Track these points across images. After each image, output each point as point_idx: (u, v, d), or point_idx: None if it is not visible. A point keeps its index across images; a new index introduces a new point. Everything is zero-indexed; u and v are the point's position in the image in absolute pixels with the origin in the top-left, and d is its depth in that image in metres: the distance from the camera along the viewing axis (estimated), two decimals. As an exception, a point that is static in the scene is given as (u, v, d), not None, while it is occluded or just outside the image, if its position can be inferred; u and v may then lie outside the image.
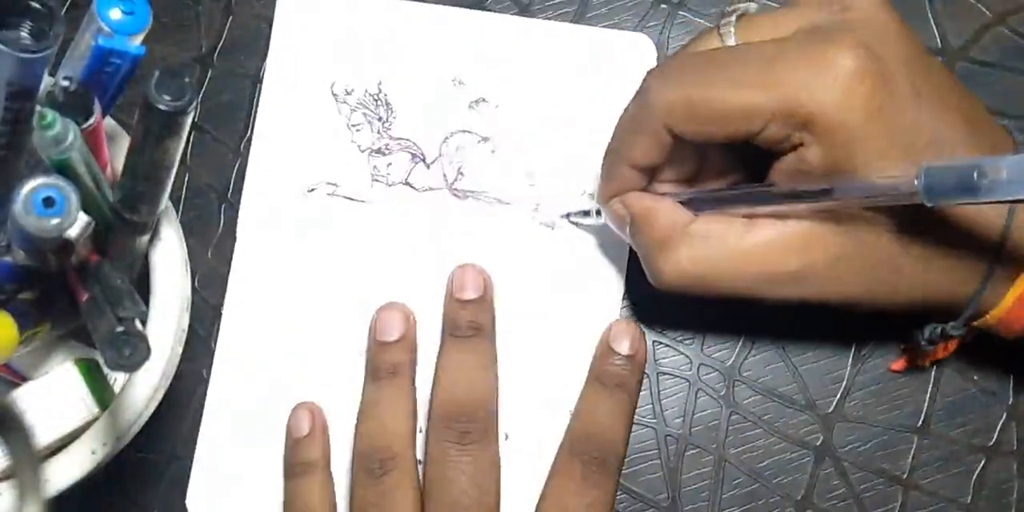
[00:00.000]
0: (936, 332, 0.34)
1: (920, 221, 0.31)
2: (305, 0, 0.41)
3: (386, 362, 0.38)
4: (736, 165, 0.35)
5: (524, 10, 0.41)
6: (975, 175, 0.27)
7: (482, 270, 0.39)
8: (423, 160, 0.40)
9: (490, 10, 0.41)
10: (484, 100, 0.40)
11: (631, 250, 0.39)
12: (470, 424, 0.36)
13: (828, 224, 0.31)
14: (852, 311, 0.33)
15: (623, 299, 0.39)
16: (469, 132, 0.40)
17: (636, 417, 0.39)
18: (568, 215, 0.40)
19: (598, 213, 0.37)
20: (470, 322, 0.38)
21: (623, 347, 0.37)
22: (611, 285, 0.39)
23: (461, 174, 0.40)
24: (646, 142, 0.33)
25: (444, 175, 0.40)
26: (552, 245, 0.39)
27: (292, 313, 0.39)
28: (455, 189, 0.40)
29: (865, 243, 0.31)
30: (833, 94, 0.30)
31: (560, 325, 0.39)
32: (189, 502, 0.38)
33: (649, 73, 0.33)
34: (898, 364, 0.39)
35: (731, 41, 0.33)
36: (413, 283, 0.39)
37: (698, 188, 0.35)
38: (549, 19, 0.41)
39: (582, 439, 0.37)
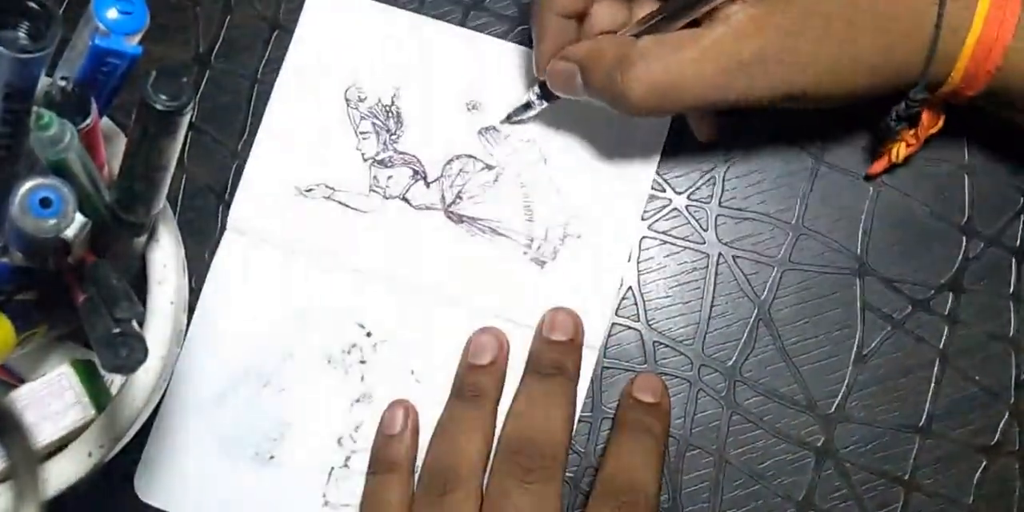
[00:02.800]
0: (902, 107, 0.35)
1: None
2: (337, 1, 0.40)
3: (471, 384, 0.38)
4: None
5: (523, 10, 0.41)
6: None
7: (576, 316, 0.38)
8: (424, 178, 0.40)
9: (488, 9, 0.41)
10: (495, 129, 0.40)
11: (618, 289, 0.39)
12: (536, 461, 0.36)
13: (771, 4, 0.32)
14: (821, 105, 0.33)
15: (610, 323, 0.39)
16: (474, 158, 0.40)
17: (636, 418, 0.39)
18: (509, 117, 0.39)
19: (539, 96, 0.38)
20: (554, 360, 0.38)
21: (647, 398, 0.37)
22: (591, 333, 0.39)
23: (459, 198, 0.40)
24: None
25: (443, 196, 0.40)
26: (540, 283, 0.39)
27: (267, 308, 0.39)
28: (451, 212, 0.40)
29: (815, 13, 0.32)
30: None
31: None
32: (136, 482, 0.39)
33: None
34: (876, 165, 0.39)
35: None
36: (392, 299, 0.39)
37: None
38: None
39: (612, 483, 0.36)
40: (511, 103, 0.40)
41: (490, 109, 0.40)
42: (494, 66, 0.40)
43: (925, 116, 0.36)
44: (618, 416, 0.38)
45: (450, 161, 0.40)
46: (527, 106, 0.39)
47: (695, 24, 0.33)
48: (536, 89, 0.38)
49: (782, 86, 0.33)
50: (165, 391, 0.38)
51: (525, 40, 0.40)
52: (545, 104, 0.38)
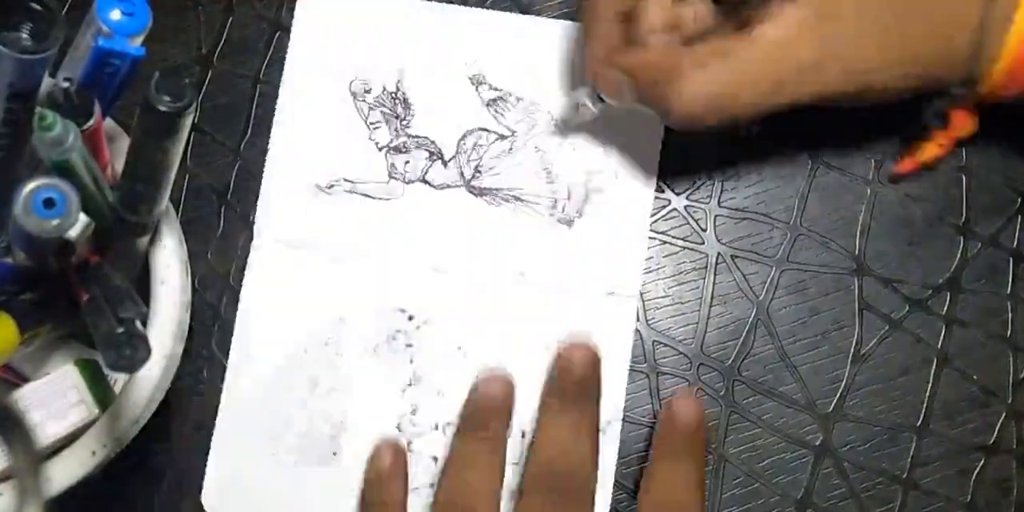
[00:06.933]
0: (940, 103, 0.34)
1: None
2: None
3: (479, 418, 0.37)
4: None
5: (524, 11, 0.41)
6: None
7: (593, 350, 0.36)
8: (441, 158, 0.40)
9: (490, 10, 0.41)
10: (502, 99, 0.40)
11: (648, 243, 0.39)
12: (571, 494, 0.35)
13: (821, 5, 0.31)
14: (865, 103, 0.33)
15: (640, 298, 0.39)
16: (487, 130, 0.40)
17: (636, 417, 0.39)
18: (565, 126, 0.39)
19: (592, 100, 0.37)
20: (575, 392, 0.36)
21: (687, 425, 0.36)
22: (628, 281, 0.39)
23: (478, 172, 0.40)
24: None
25: (461, 173, 0.40)
26: (570, 242, 0.40)
27: (306, 309, 0.39)
28: (472, 186, 0.40)
29: (866, 14, 0.31)
30: None
31: (577, 321, 0.39)
32: (204, 499, 0.39)
33: None
34: (903, 164, 0.38)
35: None
36: (429, 280, 0.39)
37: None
38: (552, 18, 0.41)
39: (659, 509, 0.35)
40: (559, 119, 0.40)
41: (495, 80, 0.40)
42: (493, 37, 0.40)
43: (958, 117, 0.35)
44: (656, 442, 0.37)
45: (463, 137, 0.40)
46: (582, 110, 0.38)
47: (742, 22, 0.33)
48: (588, 91, 0.37)
49: (834, 88, 0.32)
50: (218, 405, 0.38)
51: (516, 8, 0.40)
52: (601, 104, 0.37)
